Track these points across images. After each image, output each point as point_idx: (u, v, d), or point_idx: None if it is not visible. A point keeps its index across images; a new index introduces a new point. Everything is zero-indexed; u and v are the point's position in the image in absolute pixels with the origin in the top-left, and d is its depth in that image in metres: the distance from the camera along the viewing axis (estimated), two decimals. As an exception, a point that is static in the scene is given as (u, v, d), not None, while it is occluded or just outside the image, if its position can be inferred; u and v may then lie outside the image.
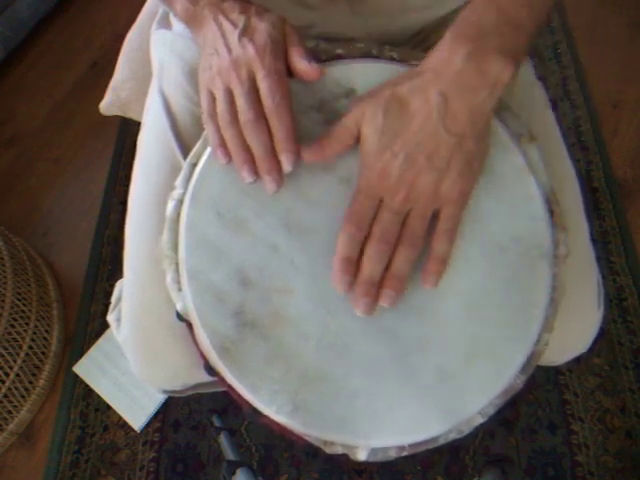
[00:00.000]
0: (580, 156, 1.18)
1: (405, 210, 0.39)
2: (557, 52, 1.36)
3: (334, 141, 0.41)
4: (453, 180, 0.39)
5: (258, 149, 0.40)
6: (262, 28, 0.41)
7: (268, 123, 0.40)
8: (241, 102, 0.40)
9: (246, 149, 0.41)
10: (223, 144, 0.41)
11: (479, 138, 0.39)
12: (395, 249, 0.39)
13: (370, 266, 0.38)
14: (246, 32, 0.42)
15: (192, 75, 0.54)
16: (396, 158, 0.38)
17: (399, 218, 0.39)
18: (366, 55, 0.45)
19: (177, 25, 0.59)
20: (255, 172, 0.41)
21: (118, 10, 1.56)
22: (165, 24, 0.61)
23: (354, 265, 0.39)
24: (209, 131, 0.42)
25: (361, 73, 0.43)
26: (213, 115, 0.42)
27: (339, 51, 0.45)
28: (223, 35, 0.42)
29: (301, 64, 0.42)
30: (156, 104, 0.55)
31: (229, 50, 0.41)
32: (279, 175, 0.41)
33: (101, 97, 0.73)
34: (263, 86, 0.40)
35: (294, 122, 0.40)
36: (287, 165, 0.40)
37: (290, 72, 0.43)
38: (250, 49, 0.41)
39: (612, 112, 1.24)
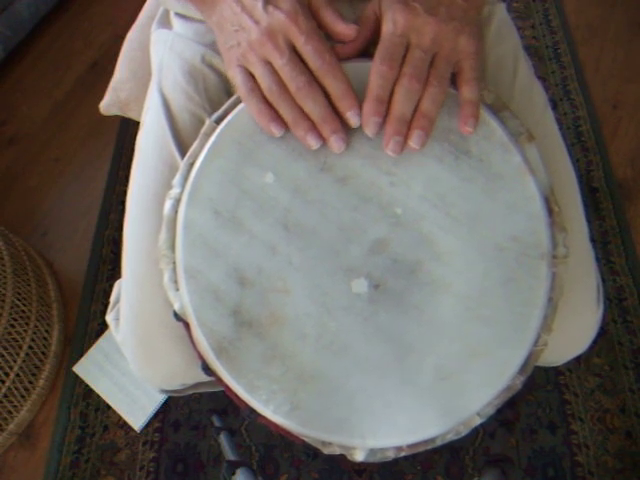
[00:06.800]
0: (580, 156, 1.18)
1: (433, 50, 0.40)
2: (557, 52, 1.35)
3: (362, 24, 0.42)
4: (468, 34, 0.41)
5: (319, 112, 0.39)
6: None
7: (321, 85, 0.40)
8: (287, 70, 0.39)
9: (305, 116, 0.40)
10: (275, 117, 0.41)
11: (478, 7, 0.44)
12: (423, 90, 0.40)
13: (401, 103, 0.39)
14: (269, 0, 0.40)
15: (191, 75, 0.54)
16: (419, 3, 0.40)
17: (428, 58, 0.40)
18: (366, 54, 0.45)
19: (177, 25, 0.59)
20: (320, 137, 0.40)
21: (118, 10, 1.56)
22: (165, 24, 0.61)
23: (385, 106, 0.39)
24: (253, 107, 0.41)
25: (361, 71, 0.43)
26: (254, 89, 0.41)
27: (339, 50, 0.45)
28: (244, 9, 0.41)
29: (338, 25, 0.41)
30: (155, 104, 0.55)
31: (256, 22, 0.40)
32: (345, 133, 0.40)
33: (101, 97, 0.73)
34: (308, 49, 0.39)
35: (347, 77, 0.40)
36: (356, 120, 0.40)
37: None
38: (280, 16, 0.39)
39: (612, 112, 1.24)
